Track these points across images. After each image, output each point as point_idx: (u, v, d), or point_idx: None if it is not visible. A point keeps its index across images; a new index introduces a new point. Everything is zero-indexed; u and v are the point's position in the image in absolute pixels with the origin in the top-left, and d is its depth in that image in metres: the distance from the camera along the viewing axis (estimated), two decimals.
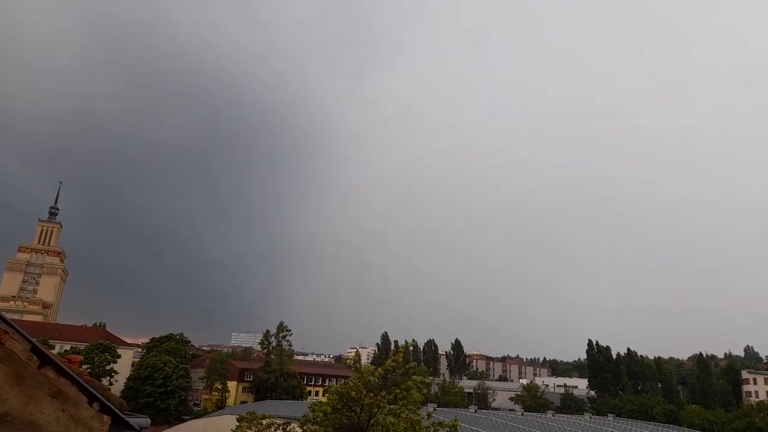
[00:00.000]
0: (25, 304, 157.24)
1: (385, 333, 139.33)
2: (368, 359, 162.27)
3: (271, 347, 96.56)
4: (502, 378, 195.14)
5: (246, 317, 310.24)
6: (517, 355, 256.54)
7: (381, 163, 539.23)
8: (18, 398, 4.50)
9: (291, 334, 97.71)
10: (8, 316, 5.01)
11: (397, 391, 15.11)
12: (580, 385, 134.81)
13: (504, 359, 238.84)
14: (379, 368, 15.09)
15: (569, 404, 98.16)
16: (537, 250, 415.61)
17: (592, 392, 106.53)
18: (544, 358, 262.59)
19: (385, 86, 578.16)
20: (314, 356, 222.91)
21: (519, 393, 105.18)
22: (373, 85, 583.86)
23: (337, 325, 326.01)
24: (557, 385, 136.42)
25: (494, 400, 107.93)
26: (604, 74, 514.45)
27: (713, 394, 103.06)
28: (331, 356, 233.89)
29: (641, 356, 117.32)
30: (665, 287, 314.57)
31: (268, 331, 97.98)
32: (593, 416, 70.25)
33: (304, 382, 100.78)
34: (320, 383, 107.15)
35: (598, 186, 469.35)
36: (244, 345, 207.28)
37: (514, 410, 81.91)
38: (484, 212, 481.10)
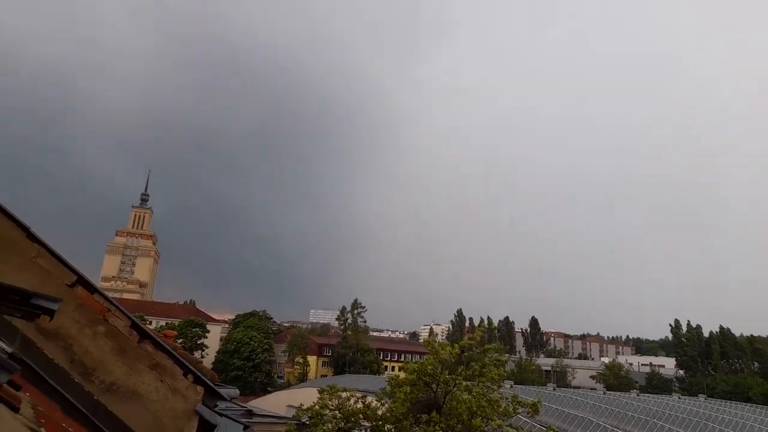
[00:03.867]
0: (124, 283, 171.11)
1: (460, 310, 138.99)
2: (443, 336, 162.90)
3: (347, 323, 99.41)
4: (582, 356, 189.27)
5: (323, 294, 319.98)
6: (598, 333, 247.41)
7: (437, 142, 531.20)
8: (122, 369, 4.94)
9: (365, 310, 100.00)
10: (110, 295, 5.47)
11: (476, 367, 15.09)
12: (667, 364, 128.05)
13: (584, 337, 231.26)
14: (456, 345, 15.11)
15: (655, 384, 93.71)
16: (616, 225, 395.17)
17: (681, 372, 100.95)
18: (627, 336, 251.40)
19: (435, 66, 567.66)
20: (389, 332, 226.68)
21: (600, 371, 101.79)
22: (423, 65, 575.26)
23: (410, 302, 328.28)
24: (642, 364, 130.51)
25: (574, 378, 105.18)
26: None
27: None
28: (406, 333, 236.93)
29: (733, 334, 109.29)
30: (756, 260, 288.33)
31: (344, 308, 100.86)
32: (682, 396, 66.76)
33: (381, 358, 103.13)
34: (396, 359, 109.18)
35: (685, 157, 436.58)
36: (321, 321, 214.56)
37: (595, 389, 79.50)
38: (559, 191, 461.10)
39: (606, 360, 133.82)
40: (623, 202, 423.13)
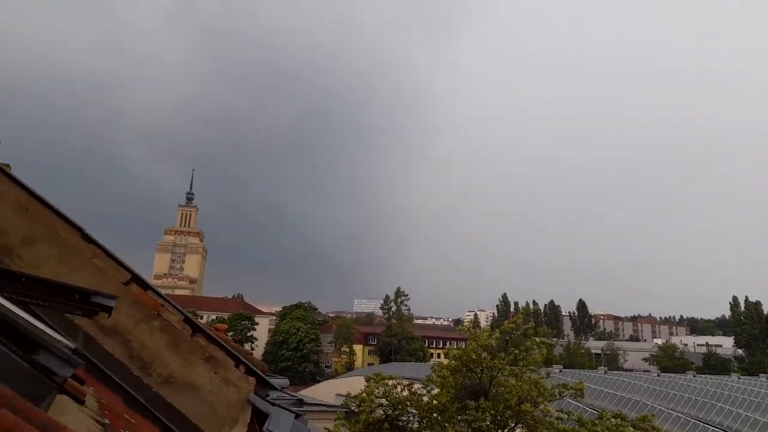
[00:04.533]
0: (175, 280, 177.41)
1: (504, 294, 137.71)
2: (487, 321, 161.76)
3: (391, 312, 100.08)
4: (633, 338, 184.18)
5: (366, 284, 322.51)
6: (649, 314, 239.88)
7: (480, 125, 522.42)
8: (177, 362, 5.13)
9: (408, 298, 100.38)
10: (162, 291, 5.68)
11: (517, 351, 14.94)
12: (725, 343, 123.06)
13: (634, 319, 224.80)
14: (496, 331, 15.01)
15: (713, 364, 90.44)
16: (666, 204, 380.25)
17: (740, 351, 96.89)
18: (681, 316, 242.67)
19: (471, 50, 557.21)
20: (433, 320, 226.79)
21: (654, 353, 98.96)
22: (459, 49, 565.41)
23: (454, 288, 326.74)
24: (697, 344, 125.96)
25: (626, 361, 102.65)
26: None
27: None
28: (450, 320, 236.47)
29: None
30: None
31: (387, 297, 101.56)
32: (742, 377, 64.12)
33: (426, 345, 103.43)
34: (442, 346, 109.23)
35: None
36: (365, 310, 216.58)
37: (648, 371, 77.35)
38: (598, 171, 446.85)
39: (659, 341, 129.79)
40: (674, 181, 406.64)
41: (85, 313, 3.02)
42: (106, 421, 2.94)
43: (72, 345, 2.45)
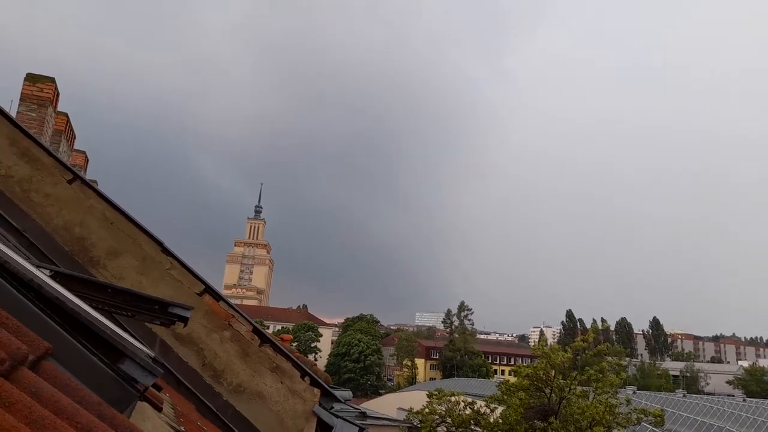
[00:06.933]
0: (244, 290, 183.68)
1: (570, 311, 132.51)
2: (553, 338, 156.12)
3: (453, 326, 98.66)
4: (715, 360, 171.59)
5: (428, 298, 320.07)
6: (733, 334, 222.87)
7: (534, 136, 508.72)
8: (246, 372, 5.28)
9: (472, 313, 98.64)
10: (232, 301, 5.88)
11: (591, 372, 14.25)
12: None
13: (716, 339, 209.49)
14: (568, 349, 14.37)
15: None
16: (749, 217, 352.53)
17: None
18: None
19: (524, 57, 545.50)
20: (497, 335, 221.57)
21: (739, 376, 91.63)
22: (512, 56, 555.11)
23: (517, 304, 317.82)
24: None
25: (707, 384, 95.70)
26: None
27: None
28: (515, 335, 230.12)
29: None
30: None
31: (449, 311, 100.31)
32: None
33: (489, 361, 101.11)
34: (505, 362, 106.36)
35: None
36: (427, 324, 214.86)
37: (732, 395, 71.62)
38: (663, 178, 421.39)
39: (745, 363, 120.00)
40: (756, 192, 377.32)
41: (163, 322, 3.17)
42: (182, 428, 3.05)
43: (152, 353, 2.56)
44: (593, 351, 15.14)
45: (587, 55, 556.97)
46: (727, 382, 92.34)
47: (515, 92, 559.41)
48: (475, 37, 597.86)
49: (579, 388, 13.93)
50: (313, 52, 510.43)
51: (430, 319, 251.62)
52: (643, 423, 15.59)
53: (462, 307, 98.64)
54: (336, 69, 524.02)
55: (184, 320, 3.10)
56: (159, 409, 2.36)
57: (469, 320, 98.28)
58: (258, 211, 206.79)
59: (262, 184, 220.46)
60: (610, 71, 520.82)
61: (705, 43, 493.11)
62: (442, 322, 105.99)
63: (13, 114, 7.73)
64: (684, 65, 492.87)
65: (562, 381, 13.62)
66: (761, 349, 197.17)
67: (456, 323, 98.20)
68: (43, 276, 2.21)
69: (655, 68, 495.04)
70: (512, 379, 16.11)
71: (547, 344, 15.33)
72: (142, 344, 2.89)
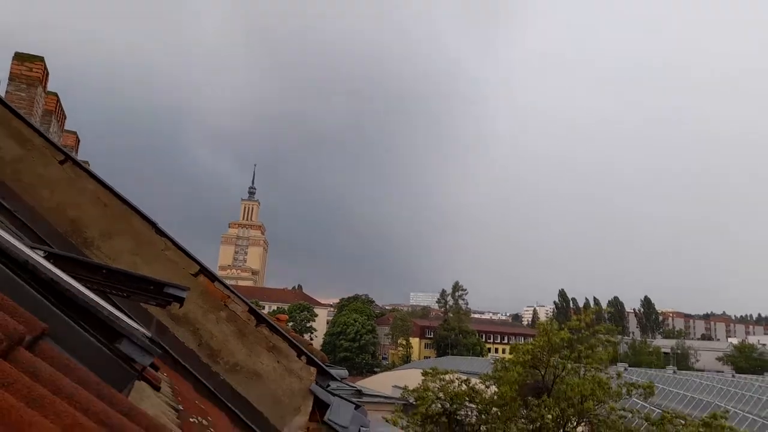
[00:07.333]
0: (239, 271, 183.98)
1: (562, 290, 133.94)
2: (546, 317, 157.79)
3: (447, 306, 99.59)
4: (705, 337, 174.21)
5: (422, 278, 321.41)
6: (723, 312, 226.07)
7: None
8: (243, 352, 5.31)
9: (466, 293, 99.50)
10: (227, 282, 5.89)
11: (581, 348, 14.42)
12: None
13: (707, 317, 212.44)
14: (564, 328, 14.51)
15: None
16: (740, 194, 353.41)
17: None
18: (759, 315, 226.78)
19: (524, 57, 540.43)
20: (490, 315, 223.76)
21: (728, 353, 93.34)
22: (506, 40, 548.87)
23: (510, 283, 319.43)
24: None
25: (697, 361, 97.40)
26: None
27: None
28: (508, 315, 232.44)
29: None
30: None
31: (444, 291, 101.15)
32: None
33: (483, 340, 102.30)
34: (499, 341, 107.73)
35: None
36: (421, 304, 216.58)
37: (722, 372, 73.01)
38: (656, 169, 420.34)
39: (734, 341, 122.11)
40: (756, 192, 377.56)
41: (159, 303, 3.17)
42: (180, 406, 3.08)
43: (148, 333, 2.57)
44: (589, 330, 15.28)
45: (587, 54, 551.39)
46: (716, 359, 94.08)
47: (515, 92, 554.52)
48: (476, 37, 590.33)
49: (570, 365, 14.11)
50: (301, 36, 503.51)
51: (425, 299, 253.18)
52: (633, 398, 15.86)
53: (457, 286, 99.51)
54: (335, 54, 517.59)
55: (180, 300, 3.11)
56: (157, 389, 2.37)
57: (463, 300, 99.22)
58: (252, 192, 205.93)
59: (255, 165, 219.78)
60: (610, 71, 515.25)
61: (705, 43, 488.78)
62: (437, 301, 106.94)
63: (1, 94, 7.61)
64: (684, 65, 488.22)
65: (558, 360, 13.81)
66: (751, 327, 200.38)
67: (451, 303, 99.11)
68: (37, 257, 2.20)
69: (655, 68, 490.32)
70: (507, 357, 16.29)
71: (544, 322, 15.36)
72: (139, 324, 2.90)
